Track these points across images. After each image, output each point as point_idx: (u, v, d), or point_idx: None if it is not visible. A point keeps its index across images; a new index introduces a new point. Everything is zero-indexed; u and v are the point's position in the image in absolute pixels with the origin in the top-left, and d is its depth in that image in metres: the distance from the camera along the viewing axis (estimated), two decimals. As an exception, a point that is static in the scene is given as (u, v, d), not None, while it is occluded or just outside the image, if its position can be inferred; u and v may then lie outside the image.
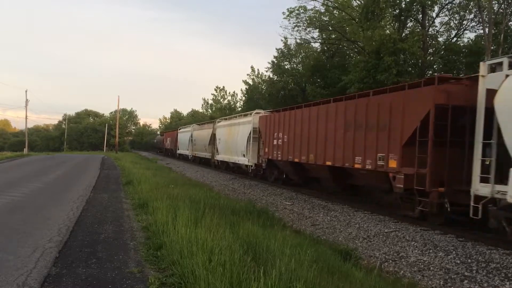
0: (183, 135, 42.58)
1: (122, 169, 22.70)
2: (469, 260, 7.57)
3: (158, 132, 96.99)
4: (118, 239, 6.68)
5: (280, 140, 17.62)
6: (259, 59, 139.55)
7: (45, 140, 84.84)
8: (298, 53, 40.49)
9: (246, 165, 21.95)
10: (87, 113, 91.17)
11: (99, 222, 7.96)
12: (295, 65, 40.99)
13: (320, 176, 15.82)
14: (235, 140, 23.58)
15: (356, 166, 12.13)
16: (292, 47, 39.95)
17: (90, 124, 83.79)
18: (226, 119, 28.62)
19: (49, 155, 45.19)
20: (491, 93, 8.35)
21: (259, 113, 21.87)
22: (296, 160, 16.04)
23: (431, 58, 27.42)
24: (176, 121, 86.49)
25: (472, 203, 8.48)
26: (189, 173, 26.91)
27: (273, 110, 21.17)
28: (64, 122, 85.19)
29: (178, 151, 44.58)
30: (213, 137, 29.63)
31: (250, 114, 22.61)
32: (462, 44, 28.43)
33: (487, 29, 22.36)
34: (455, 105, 9.51)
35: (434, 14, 27.99)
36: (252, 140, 20.94)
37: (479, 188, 8.40)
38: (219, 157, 27.29)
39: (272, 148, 18.37)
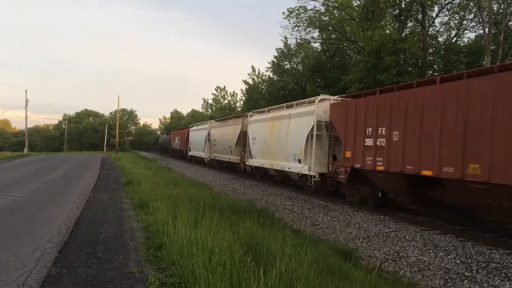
0: (197, 133, 35.96)
1: (122, 169, 22.68)
2: (469, 260, 7.58)
3: (159, 132, 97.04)
4: (118, 239, 6.68)
5: (381, 140, 11.43)
6: (259, 59, 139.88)
7: (45, 140, 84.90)
8: (298, 53, 40.58)
9: (304, 175, 15.80)
10: (87, 113, 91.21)
11: (99, 222, 7.96)
12: (295, 65, 41.11)
13: (489, 205, 8.70)
14: (282, 139, 17.70)
15: None
16: (292, 47, 40.11)
17: (90, 124, 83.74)
18: (264, 111, 21.62)
19: (49, 155, 45.16)
20: None
21: (326, 99, 15.24)
22: (427, 172, 9.74)
23: (431, 58, 27.45)
24: (176, 121, 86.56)
25: None
26: (189, 173, 26.92)
27: (360, 93, 13.97)
28: (64, 122, 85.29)
29: (190, 153, 38.23)
30: (242, 135, 23.94)
31: (311, 102, 15.99)
32: (462, 44, 28.49)
33: (487, 29, 22.38)
34: None
35: (434, 14, 28.08)
36: (315, 139, 14.73)
37: None
38: (254, 162, 21.24)
39: (363, 152, 12.22)
